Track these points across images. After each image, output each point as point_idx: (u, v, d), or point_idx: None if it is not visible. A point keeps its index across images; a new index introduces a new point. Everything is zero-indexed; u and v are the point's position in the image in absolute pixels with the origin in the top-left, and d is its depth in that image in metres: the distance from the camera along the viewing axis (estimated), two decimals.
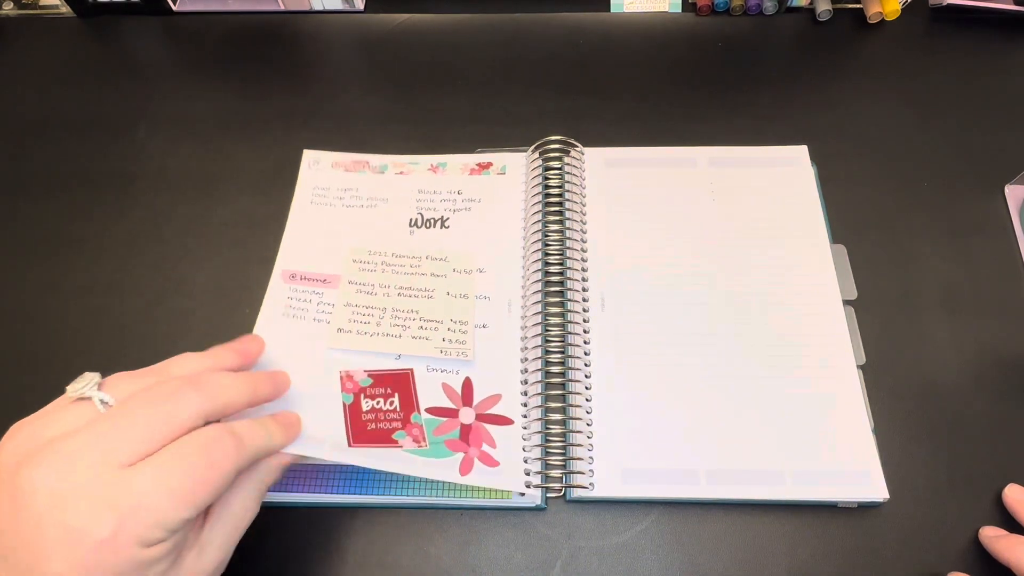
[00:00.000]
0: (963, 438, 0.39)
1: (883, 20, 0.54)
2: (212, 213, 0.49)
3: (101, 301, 0.46)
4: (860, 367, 0.40)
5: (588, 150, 0.48)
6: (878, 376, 0.40)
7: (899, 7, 0.53)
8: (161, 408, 0.26)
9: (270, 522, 0.39)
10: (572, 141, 0.48)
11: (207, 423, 0.27)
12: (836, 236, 0.45)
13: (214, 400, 0.27)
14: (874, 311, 0.43)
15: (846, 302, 0.42)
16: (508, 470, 0.38)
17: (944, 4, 0.53)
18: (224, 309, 0.45)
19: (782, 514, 0.38)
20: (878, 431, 0.38)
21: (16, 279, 0.47)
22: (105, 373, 0.42)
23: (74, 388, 0.27)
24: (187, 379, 0.27)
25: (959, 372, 0.41)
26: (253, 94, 0.54)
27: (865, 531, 0.37)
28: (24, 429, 0.26)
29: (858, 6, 0.54)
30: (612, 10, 0.56)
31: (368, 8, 0.58)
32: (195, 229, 0.48)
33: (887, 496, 0.37)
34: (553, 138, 0.47)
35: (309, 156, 0.50)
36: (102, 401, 0.26)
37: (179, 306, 0.45)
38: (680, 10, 0.56)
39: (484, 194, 0.47)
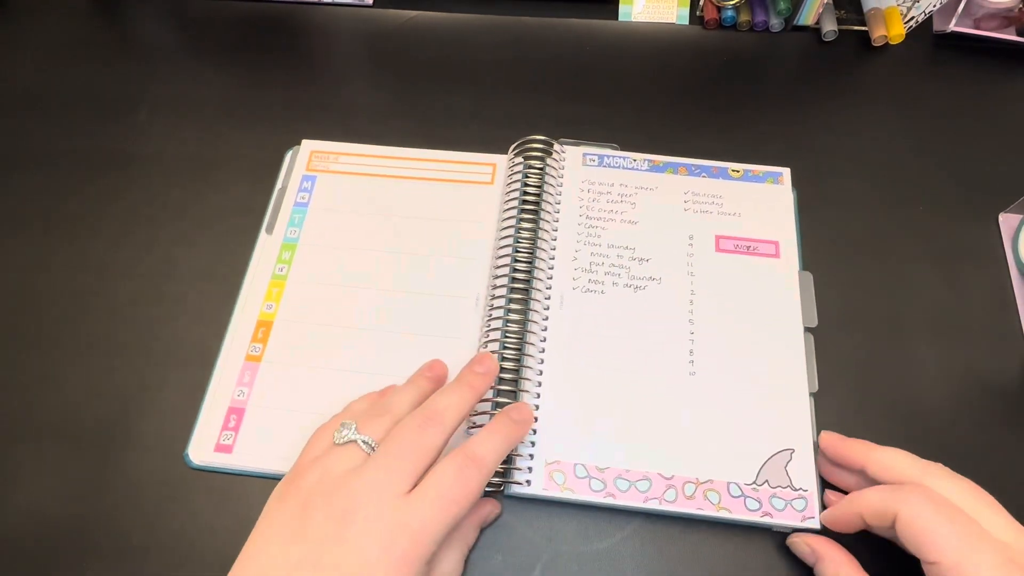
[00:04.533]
0: (948, 464, 0.39)
1: (887, 43, 0.54)
2: (208, 199, 0.49)
3: (91, 280, 0.46)
4: (812, 395, 0.40)
5: (568, 148, 0.48)
6: (864, 400, 0.41)
7: (904, 31, 0.53)
8: (417, 444, 0.32)
9: (243, 501, 0.39)
10: (551, 141, 0.48)
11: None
12: (829, 257, 0.45)
13: (449, 425, 0.33)
14: (863, 333, 0.43)
15: (807, 329, 0.42)
16: None
17: (948, 31, 0.53)
18: (215, 297, 0.45)
19: (764, 532, 0.38)
20: None
21: (6, 253, 0.47)
22: (89, 352, 0.43)
23: (341, 436, 0.33)
24: (425, 416, 0.33)
25: (943, 398, 0.41)
26: (258, 81, 0.54)
27: None
28: (317, 466, 0.32)
29: (863, 28, 0.55)
30: (620, 19, 0.56)
31: (378, 3, 0.58)
32: (190, 214, 0.48)
33: (820, 525, 0.36)
34: (533, 137, 0.48)
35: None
36: (365, 442, 0.32)
37: (170, 291, 0.45)
38: (687, 23, 0.56)
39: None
